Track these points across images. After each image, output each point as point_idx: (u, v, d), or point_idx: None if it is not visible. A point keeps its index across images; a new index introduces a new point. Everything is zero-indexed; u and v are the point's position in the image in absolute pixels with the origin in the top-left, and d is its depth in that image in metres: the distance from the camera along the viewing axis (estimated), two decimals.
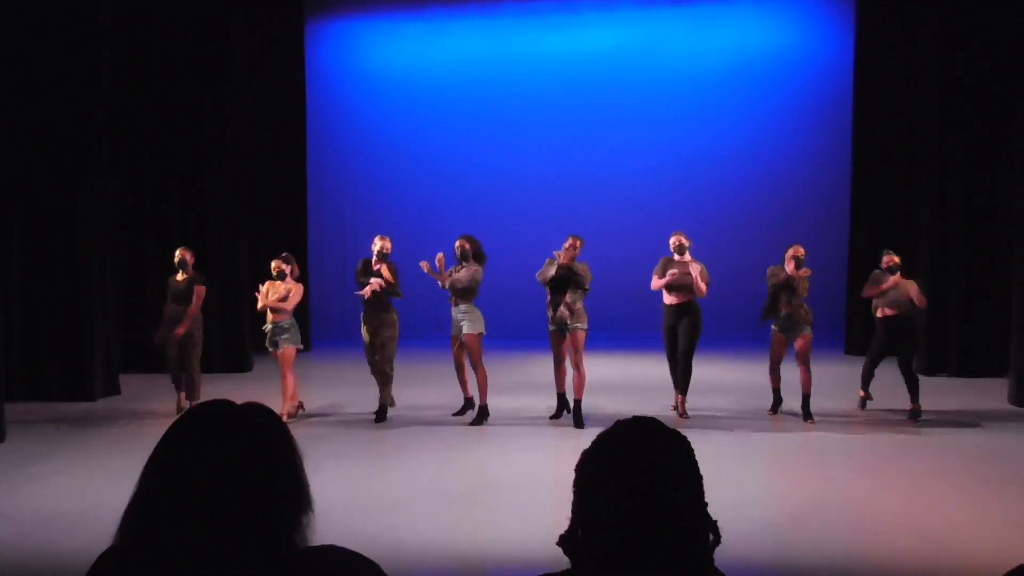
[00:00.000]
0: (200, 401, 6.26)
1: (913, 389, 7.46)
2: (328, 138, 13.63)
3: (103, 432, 7.26)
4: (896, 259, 7.65)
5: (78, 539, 4.64)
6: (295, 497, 1.33)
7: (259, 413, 1.39)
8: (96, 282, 8.83)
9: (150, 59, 10.20)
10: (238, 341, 10.59)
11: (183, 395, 7.86)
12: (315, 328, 12.61)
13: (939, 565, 4.35)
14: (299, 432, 6.99)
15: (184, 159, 10.43)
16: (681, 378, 7.62)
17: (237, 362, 10.54)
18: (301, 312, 12.21)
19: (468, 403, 7.68)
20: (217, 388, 8.67)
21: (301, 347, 7.61)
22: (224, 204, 10.67)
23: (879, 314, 7.65)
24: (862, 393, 7.95)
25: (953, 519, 5.00)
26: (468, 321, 7.33)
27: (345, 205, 13.83)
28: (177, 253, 7.94)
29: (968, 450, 6.49)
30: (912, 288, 7.55)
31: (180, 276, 7.85)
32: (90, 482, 5.81)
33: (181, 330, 7.67)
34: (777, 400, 7.76)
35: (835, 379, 9.27)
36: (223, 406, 1.38)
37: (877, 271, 7.69)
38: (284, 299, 7.43)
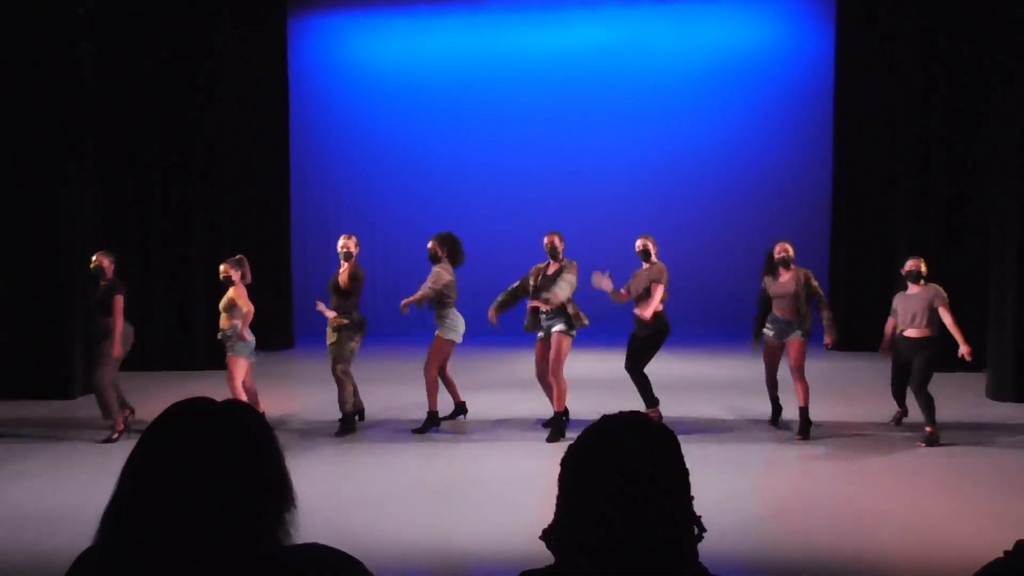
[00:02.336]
0: (115, 416, 5.52)
1: (927, 411, 6.56)
2: (312, 135, 13.55)
3: (82, 430, 7.19)
4: (921, 266, 6.68)
5: (56, 539, 4.60)
6: (278, 494, 1.33)
7: (240, 410, 1.38)
8: (76, 279, 8.74)
9: (132, 54, 10.10)
10: (219, 341, 10.51)
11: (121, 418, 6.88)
12: (298, 326, 12.54)
13: (920, 557, 4.40)
14: (282, 430, 6.94)
15: (166, 156, 10.34)
16: (640, 389, 7.11)
17: (220, 361, 10.46)
18: (284, 310, 12.25)
19: (459, 408, 7.43)
20: (199, 386, 8.62)
21: (253, 360, 6.93)
22: (207, 201, 10.58)
23: (897, 331, 6.76)
24: (899, 409, 7.10)
25: (933, 512, 5.06)
26: (440, 325, 7.05)
27: (329, 202, 13.76)
28: (94, 259, 7.01)
29: (947, 444, 6.55)
30: (935, 297, 6.56)
31: (101, 283, 6.96)
32: (69, 481, 5.76)
33: (117, 350, 6.80)
34: (776, 409, 7.12)
35: (817, 377, 9.31)
36: (204, 403, 1.37)
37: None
38: (228, 309, 6.79)
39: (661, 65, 13.29)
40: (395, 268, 13.11)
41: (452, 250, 7.08)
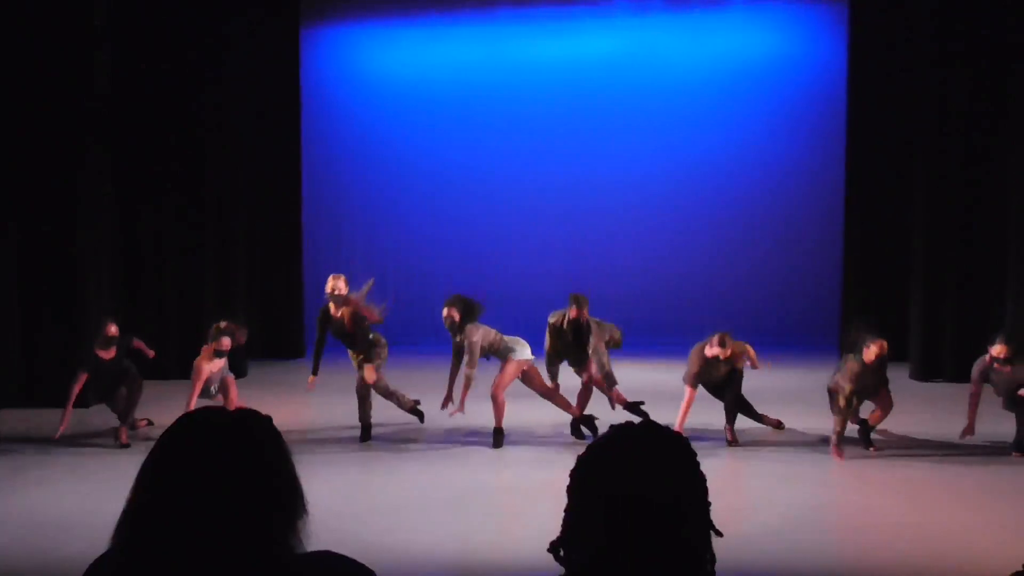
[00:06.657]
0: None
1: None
2: (324, 145, 13.61)
3: (97, 438, 7.23)
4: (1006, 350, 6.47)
5: (71, 546, 4.62)
6: (290, 502, 1.33)
7: (253, 419, 1.38)
8: (92, 286, 8.81)
9: (145, 63, 10.18)
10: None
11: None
12: (308, 335, 12.55)
13: (939, 569, 4.35)
14: (293, 439, 6.95)
15: (179, 164, 10.41)
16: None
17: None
18: (294, 319, 12.28)
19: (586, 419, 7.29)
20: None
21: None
22: (219, 210, 10.64)
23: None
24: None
25: (951, 524, 5.00)
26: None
27: (341, 212, 13.81)
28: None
29: (965, 456, 6.48)
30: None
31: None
32: (84, 488, 5.79)
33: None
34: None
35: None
36: (217, 412, 1.38)
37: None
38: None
39: (673, 74, 13.28)
40: (406, 276, 13.13)
41: (468, 309, 6.91)
